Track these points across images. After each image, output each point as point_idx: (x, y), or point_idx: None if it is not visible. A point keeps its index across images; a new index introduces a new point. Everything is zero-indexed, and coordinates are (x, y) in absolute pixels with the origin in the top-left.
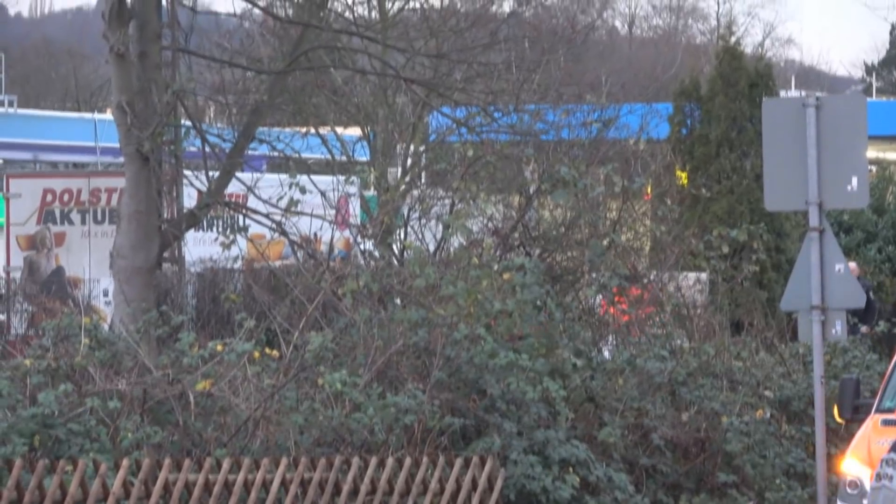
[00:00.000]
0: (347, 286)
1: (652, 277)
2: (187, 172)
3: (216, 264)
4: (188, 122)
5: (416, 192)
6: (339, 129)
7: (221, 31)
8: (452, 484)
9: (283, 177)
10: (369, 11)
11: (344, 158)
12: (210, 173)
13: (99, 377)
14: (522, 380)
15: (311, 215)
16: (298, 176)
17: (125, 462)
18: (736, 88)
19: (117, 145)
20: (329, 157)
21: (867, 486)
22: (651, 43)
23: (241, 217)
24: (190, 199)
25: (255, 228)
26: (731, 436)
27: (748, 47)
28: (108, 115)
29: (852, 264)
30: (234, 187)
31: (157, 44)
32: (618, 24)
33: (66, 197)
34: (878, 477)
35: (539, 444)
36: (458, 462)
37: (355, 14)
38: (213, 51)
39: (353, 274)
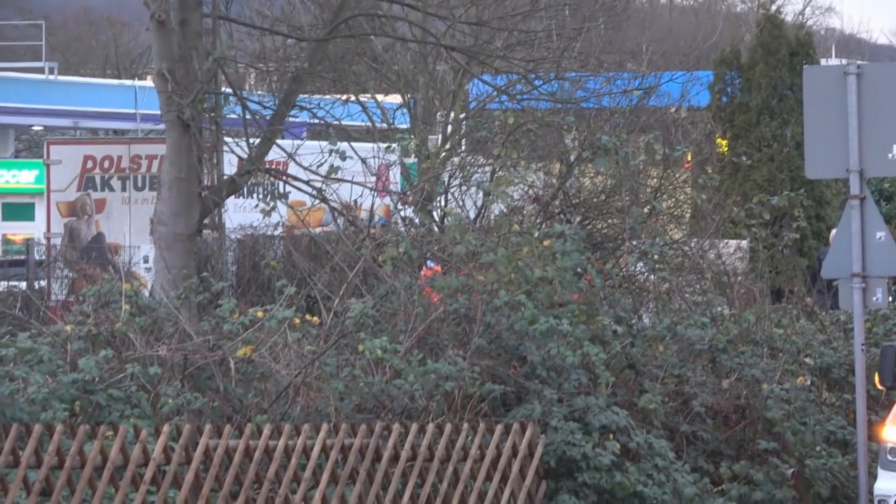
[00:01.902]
0: (387, 253)
1: (693, 245)
2: (228, 139)
3: (256, 231)
4: (229, 90)
5: (456, 160)
6: (380, 97)
7: None
8: (492, 450)
9: (324, 144)
10: None
11: (384, 126)
12: (250, 140)
13: (139, 343)
14: (563, 346)
15: (352, 182)
16: (339, 143)
17: (166, 428)
18: (776, 57)
19: (158, 112)
20: (369, 124)
21: None
22: (691, 11)
23: (281, 184)
24: (230, 166)
25: (295, 195)
26: (771, 403)
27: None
28: (149, 83)
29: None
30: (274, 154)
31: (198, 11)
32: None
33: (106, 164)
34: None
35: (579, 410)
36: (499, 429)
37: None
38: (254, 18)
39: (393, 241)
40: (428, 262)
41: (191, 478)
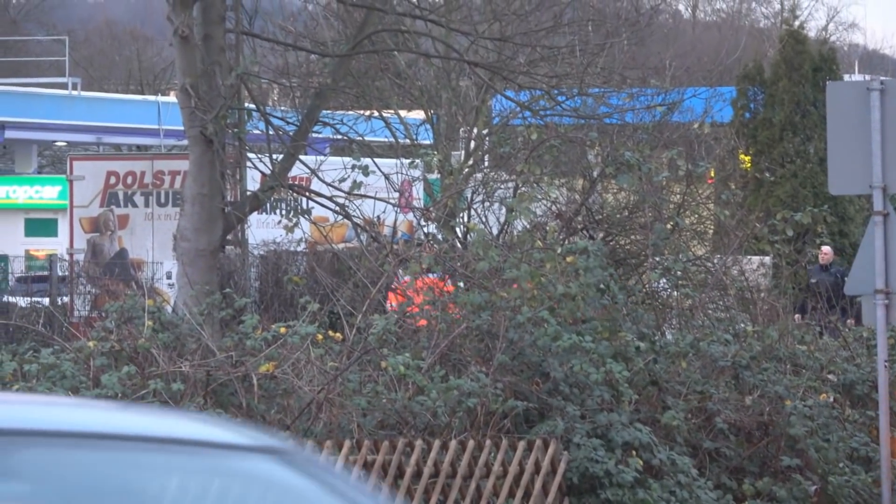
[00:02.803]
0: (411, 269)
1: (716, 261)
2: (251, 155)
3: (279, 247)
4: (252, 105)
5: (479, 176)
6: (403, 113)
7: (285, 14)
8: (515, 467)
9: (347, 160)
10: None
11: (407, 141)
12: (274, 156)
13: (162, 359)
14: (586, 362)
15: (375, 198)
16: (362, 159)
17: None
18: (800, 72)
19: (181, 128)
20: (392, 140)
21: None
22: (715, 26)
23: (304, 200)
24: (253, 182)
25: (318, 211)
26: (794, 419)
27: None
28: (172, 98)
29: (827, 247)
30: (297, 170)
31: (221, 26)
32: (681, 7)
33: (129, 179)
34: None
35: (602, 427)
36: (521, 445)
37: None
38: (277, 34)
39: (416, 257)
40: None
41: None
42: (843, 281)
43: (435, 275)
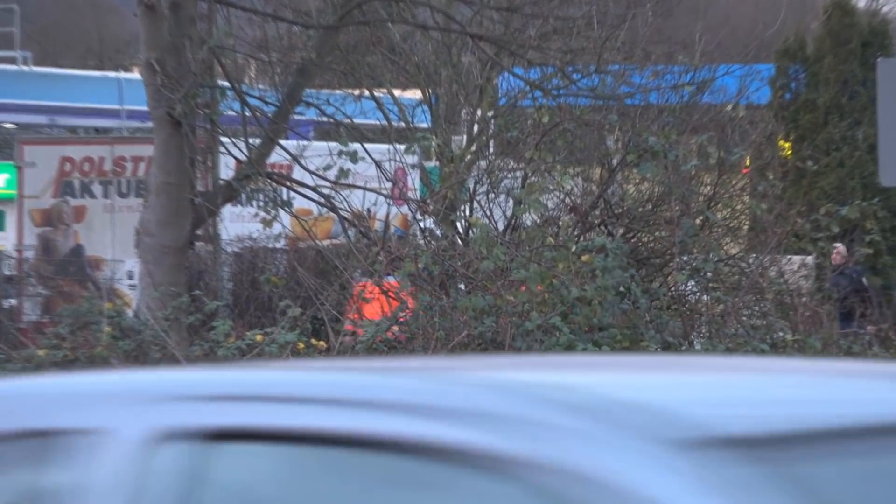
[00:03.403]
0: (405, 269)
1: (751, 261)
2: (224, 139)
3: (256, 243)
4: (226, 83)
5: (483, 164)
6: (397, 92)
7: None
8: None
9: (333, 145)
10: None
11: (402, 125)
12: (250, 141)
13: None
14: None
15: (365, 188)
16: (350, 144)
17: None
18: (847, 48)
19: (145, 108)
20: (385, 123)
21: None
22: None
23: (284, 190)
24: (227, 170)
25: (300, 203)
26: None
27: (861, 1)
28: (136, 75)
29: (839, 245)
30: (277, 157)
31: None
32: None
33: (86, 166)
34: None
35: None
36: None
37: None
38: (255, 2)
39: (411, 255)
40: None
41: None
42: (861, 284)
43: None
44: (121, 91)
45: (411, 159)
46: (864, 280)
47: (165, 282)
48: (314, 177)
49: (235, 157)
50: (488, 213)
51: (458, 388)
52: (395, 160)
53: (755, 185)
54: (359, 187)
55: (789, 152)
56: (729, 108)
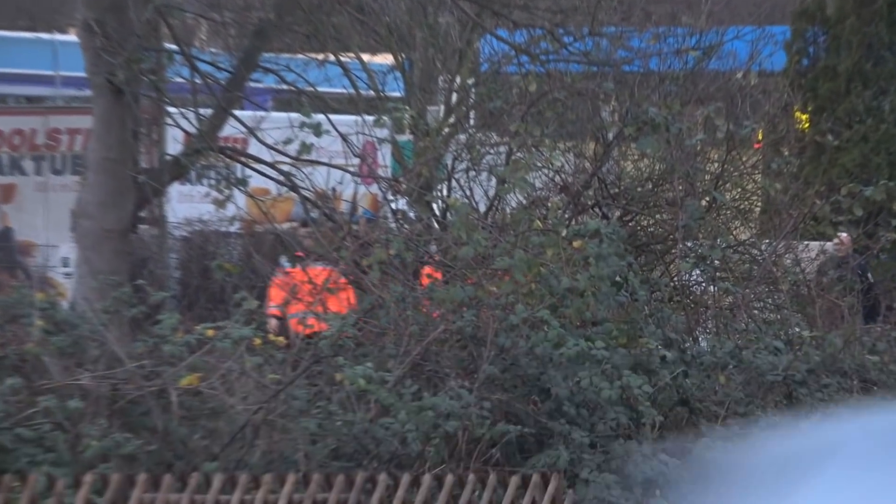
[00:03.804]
0: (375, 256)
1: (764, 248)
2: (172, 110)
3: (207, 226)
4: (173, 46)
5: (462, 137)
6: (366, 57)
7: None
8: None
9: (294, 116)
10: None
11: (371, 93)
12: (201, 111)
13: (56, 369)
14: (597, 375)
15: (329, 165)
16: (313, 115)
17: (88, 478)
18: (871, 8)
19: (83, 74)
20: (352, 91)
21: None
22: None
23: (239, 167)
24: (175, 144)
25: (256, 181)
26: None
27: None
28: (72, 37)
29: (843, 235)
30: (231, 129)
31: None
32: None
33: (16, 140)
34: None
35: (618, 458)
36: (514, 481)
37: None
38: None
39: (381, 240)
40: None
41: None
42: (865, 277)
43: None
44: (55, 55)
45: (382, 132)
46: (870, 275)
47: (105, 270)
48: (272, 152)
49: (184, 130)
50: (468, 193)
51: None
52: (364, 133)
53: (768, 162)
54: (323, 164)
55: (807, 125)
56: (739, 75)
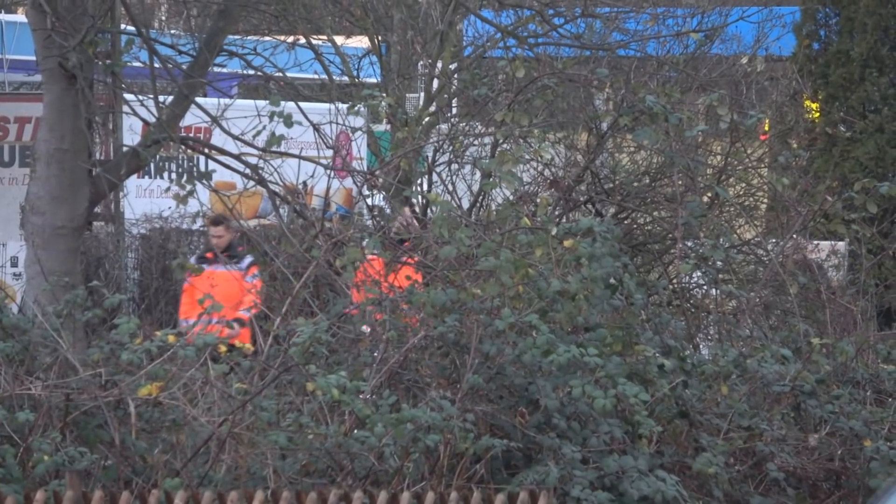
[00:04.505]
0: (349, 256)
1: (770, 248)
2: (129, 97)
3: (167, 223)
4: (131, 28)
5: (444, 127)
6: (339, 40)
7: None
8: None
9: (262, 104)
10: None
11: (345, 79)
12: (160, 98)
13: (4, 378)
14: (589, 385)
15: (300, 157)
16: (282, 103)
17: (40, 495)
18: None
19: (32, 58)
20: (325, 77)
21: None
22: None
23: (202, 159)
24: (132, 134)
25: (221, 175)
26: (876, 466)
27: None
28: (21, 17)
29: None
30: (193, 117)
31: None
32: None
33: None
34: None
35: (611, 475)
36: (500, 499)
37: None
38: None
39: (356, 238)
40: None
41: None
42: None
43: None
44: (2, 37)
45: (356, 122)
46: None
47: (57, 270)
48: (238, 143)
49: (142, 119)
50: (450, 187)
51: None
52: (337, 123)
53: (776, 155)
54: (293, 156)
55: (817, 115)
56: (744, 60)
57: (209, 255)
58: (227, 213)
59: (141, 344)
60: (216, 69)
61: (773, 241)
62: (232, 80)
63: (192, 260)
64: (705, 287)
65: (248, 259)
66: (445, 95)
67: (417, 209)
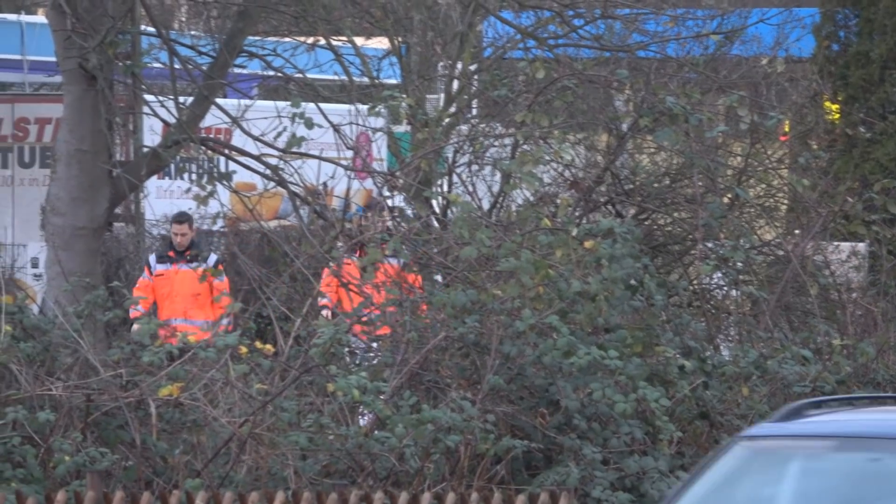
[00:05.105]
0: (369, 256)
1: (790, 249)
2: (149, 97)
3: None
4: (151, 29)
5: (464, 128)
6: (359, 41)
7: None
8: None
9: (282, 105)
10: None
11: (365, 81)
12: (181, 99)
13: (25, 378)
14: (610, 387)
15: (320, 158)
16: (303, 104)
17: (61, 495)
18: None
19: (53, 59)
20: (345, 78)
21: None
22: None
23: (222, 160)
24: (153, 135)
25: (242, 176)
26: None
27: None
28: (41, 18)
29: None
30: (213, 118)
31: None
32: None
33: None
34: None
35: (632, 476)
36: (521, 500)
37: None
38: None
39: (376, 240)
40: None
41: None
42: None
43: (397, 260)
44: (22, 38)
45: (377, 123)
46: None
47: (78, 271)
48: (259, 144)
49: (163, 120)
50: (471, 188)
51: None
52: (358, 124)
53: (796, 156)
54: (313, 156)
55: (837, 116)
56: (764, 61)
57: (171, 253)
58: (248, 214)
59: (161, 345)
60: (236, 70)
61: (794, 242)
62: (252, 81)
63: (152, 258)
64: (725, 288)
65: (213, 258)
66: (465, 96)
67: (437, 210)
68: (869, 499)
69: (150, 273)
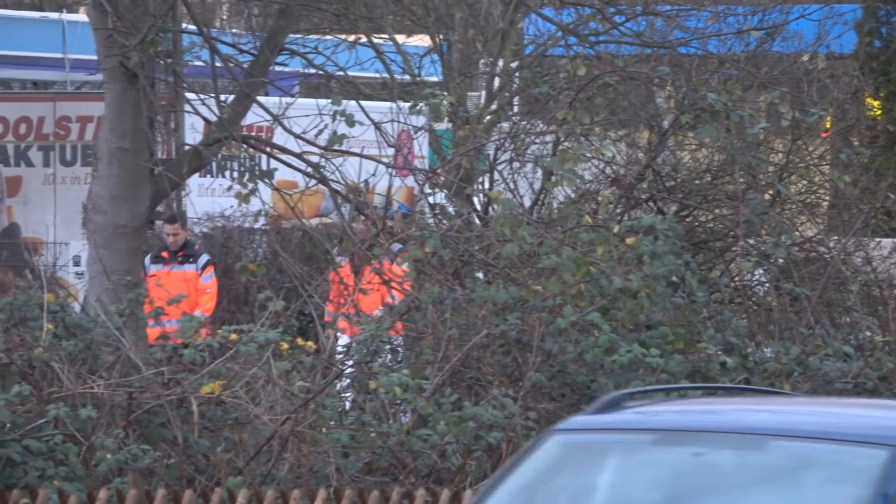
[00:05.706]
0: (410, 254)
1: (832, 245)
2: (190, 96)
3: (229, 222)
4: (192, 27)
5: (505, 126)
6: (401, 38)
7: None
8: None
9: (323, 103)
10: None
11: (407, 78)
12: (222, 97)
13: (67, 377)
14: (651, 383)
15: (361, 156)
16: (344, 102)
17: (103, 493)
18: None
19: (94, 57)
20: (386, 76)
21: None
22: None
23: (264, 158)
24: (194, 133)
25: (283, 173)
26: None
27: None
28: (83, 17)
29: None
30: (254, 116)
31: None
32: None
33: (22, 128)
34: None
35: None
36: None
37: None
38: None
39: (417, 237)
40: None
41: None
42: None
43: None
44: (64, 36)
45: (418, 120)
46: None
47: (120, 269)
48: (300, 142)
49: (204, 118)
50: (512, 185)
51: None
52: (399, 121)
53: (837, 153)
54: (354, 154)
55: (879, 112)
56: (805, 58)
57: (164, 253)
58: (290, 212)
59: (203, 342)
60: (277, 68)
61: (835, 238)
62: (293, 79)
63: (147, 259)
64: (767, 285)
65: (205, 258)
66: (507, 94)
67: (479, 207)
68: (690, 495)
69: (145, 274)
